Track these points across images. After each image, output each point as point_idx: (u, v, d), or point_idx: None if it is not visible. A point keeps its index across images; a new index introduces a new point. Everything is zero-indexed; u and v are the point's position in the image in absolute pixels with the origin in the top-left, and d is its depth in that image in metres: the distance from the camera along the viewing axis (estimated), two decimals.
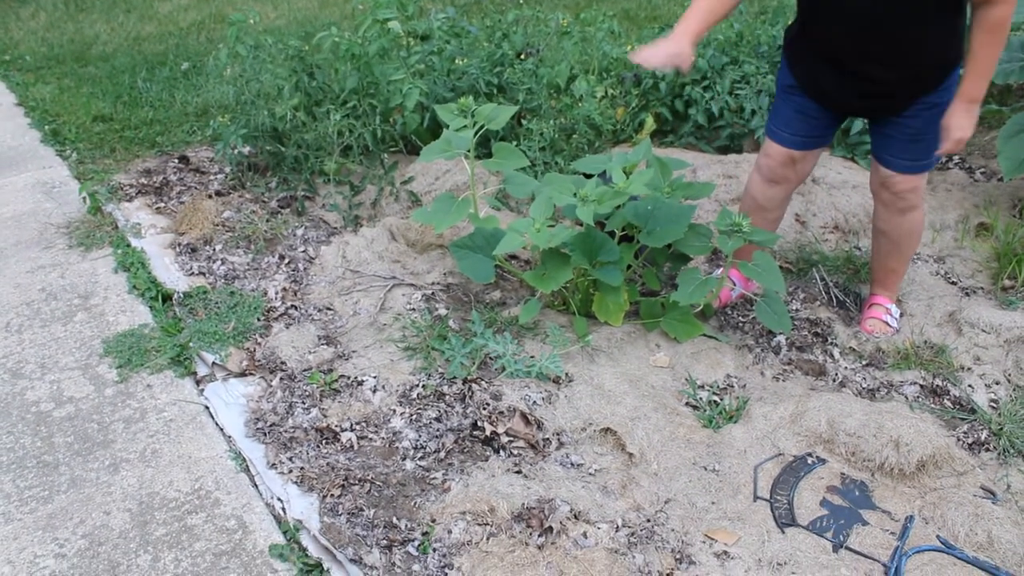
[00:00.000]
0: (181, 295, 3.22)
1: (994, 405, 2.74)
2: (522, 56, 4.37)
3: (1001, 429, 2.61)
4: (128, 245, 3.58)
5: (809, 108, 2.81)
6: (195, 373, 2.86)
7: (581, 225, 2.95)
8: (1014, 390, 2.80)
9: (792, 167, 2.93)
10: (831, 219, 3.74)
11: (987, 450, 2.56)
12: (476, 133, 2.93)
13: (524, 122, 4.06)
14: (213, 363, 2.86)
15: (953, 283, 3.39)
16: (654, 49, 2.59)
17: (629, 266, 3.03)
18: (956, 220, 3.78)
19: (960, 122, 2.52)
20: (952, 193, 4.01)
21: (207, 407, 2.70)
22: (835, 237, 3.68)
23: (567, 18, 4.63)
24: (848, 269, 3.45)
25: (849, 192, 3.85)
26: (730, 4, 2.64)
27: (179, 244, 3.58)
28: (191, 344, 2.94)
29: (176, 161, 4.39)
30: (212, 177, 4.23)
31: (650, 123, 4.34)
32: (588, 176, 3.18)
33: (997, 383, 2.84)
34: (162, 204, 3.96)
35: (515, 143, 3.97)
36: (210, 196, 3.97)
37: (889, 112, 2.69)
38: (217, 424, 2.63)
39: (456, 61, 4.21)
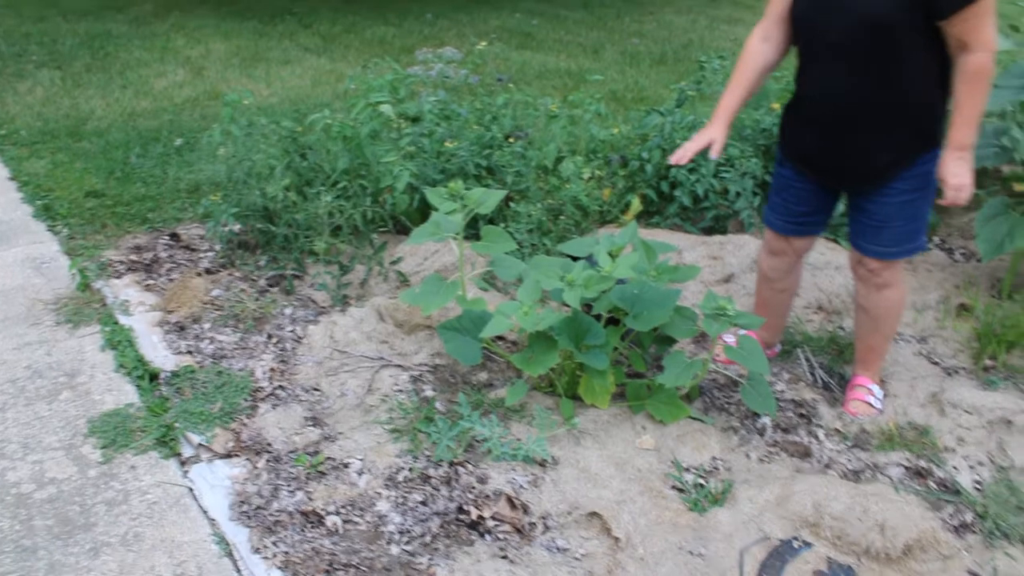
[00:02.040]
0: (168, 374, 3.23)
1: (978, 487, 2.75)
2: (511, 139, 4.46)
3: (986, 511, 2.62)
4: (116, 323, 3.59)
5: (792, 186, 2.95)
6: (180, 454, 2.85)
7: (568, 308, 2.99)
8: (998, 471, 2.81)
9: (787, 243, 3.09)
10: (815, 300, 3.79)
11: (972, 532, 2.57)
12: (465, 217, 2.98)
13: (512, 204, 4.12)
14: (199, 444, 2.86)
15: (935, 363, 3.43)
16: (689, 143, 2.91)
17: (615, 348, 3.05)
18: (937, 300, 3.84)
19: (953, 169, 2.59)
20: (933, 274, 4.08)
21: (191, 489, 2.69)
22: (819, 318, 3.73)
23: (556, 102, 4.73)
24: (832, 350, 3.48)
25: (832, 273, 3.90)
26: (762, 76, 2.89)
27: (167, 322, 3.60)
28: (177, 424, 2.94)
29: (167, 238, 4.43)
30: (202, 255, 4.26)
31: (636, 204, 4.41)
32: (575, 259, 3.23)
33: (981, 464, 2.85)
34: (151, 281, 3.98)
35: (503, 224, 4.03)
36: (199, 274, 4.00)
37: (864, 182, 2.78)
38: (201, 507, 2.61)
39: (446, 143, 4.29)
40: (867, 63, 2.58)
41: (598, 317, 3.00)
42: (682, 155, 2.89)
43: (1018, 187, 4.33)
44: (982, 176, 4.78)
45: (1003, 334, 3.45)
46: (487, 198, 2.99)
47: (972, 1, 2.40)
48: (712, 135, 2.91)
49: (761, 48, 2.86)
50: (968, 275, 4.06)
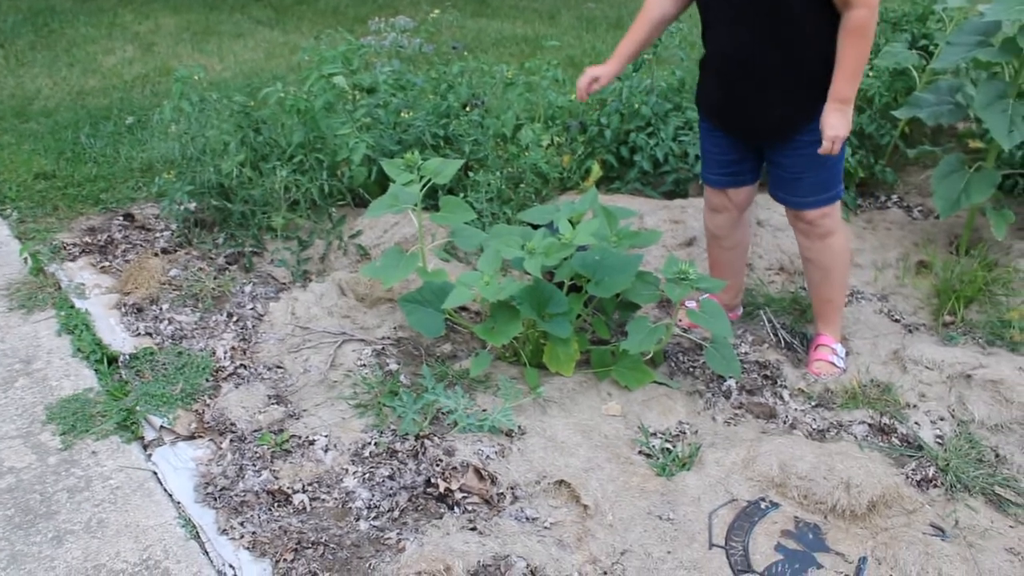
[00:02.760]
0: (127, 357, 3.17)
1: (940, 441, 2.79)
2: (468, 107, 4.41)
3: (947, 465, 2.66)
4: (72, 306, 3.52)
5: (713, 134, 3.03)
6: (142, 438, 2.80)
7: (530, 276, 2.97)
8: (958, 425, 2.86)
9: (725, 197, 3.14)
10: (776, 261, 3.81)
11: (935, 486, 2.60)
12: (423, 187, 2.94)
13: (471, 173, 4.08)
14: (161, 427, 2.81)
15: (896, 320, 3.47)
16: (580, 79, 3.06)
17: (579, 315, 3.05)
18: (896, 258, 3.88)
19: (831, 121, 2.66)
20: (892, 231, 4.11)
21: (155, 472, 2.65)
22: (781, 279, 3.75)
23: (512, 69, 4.68)
24: (794, 310, 3.50)
25: (793, 234, 3.92)
26: (655, 31, 3.01)
27: (124, 304, 3.53)
28: (138, 408, 2.89)
29: (121, 218, 4.34)
30: (158, 234, 4.18)
31: (596, 170, 4.39)
32: (535, 227, 3.21)
33: (942, 419, 2.89)
34: (107, 263, 3.90)
35: (462, 195, 3.99)
36: (156, 254, 3.92)
37: (769, 135, 2.86)
38: (166, 490, 2.58)
39: (402, 114, 4.24)
40: (758, 21, 2.64)
41: (560, 285, 2.99)
42: (578, 94, 3.06)
43: (973, 144, 4.38)
44: (938, 133, 4.83)
45: (961, 290, 3.49)
46: (444, 168, 2.96)
47: None
48: (598, 72, 3.03)
49: (659, 0, 2.95)
50: (926, 232, 4.10)
